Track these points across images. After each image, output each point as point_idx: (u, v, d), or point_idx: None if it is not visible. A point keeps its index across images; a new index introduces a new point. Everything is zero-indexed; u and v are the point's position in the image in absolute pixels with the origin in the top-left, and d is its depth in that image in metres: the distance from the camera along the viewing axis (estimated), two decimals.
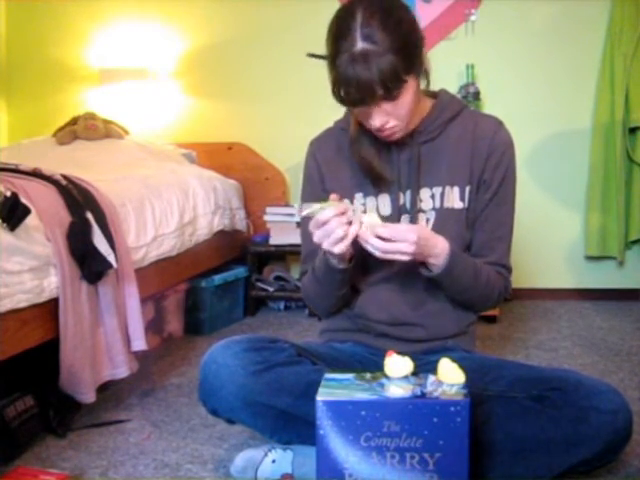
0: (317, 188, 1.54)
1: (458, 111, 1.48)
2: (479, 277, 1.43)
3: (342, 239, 1.27)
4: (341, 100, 1.29)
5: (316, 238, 1.30)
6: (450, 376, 1.22)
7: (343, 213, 1.27)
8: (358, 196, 1.48)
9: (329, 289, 1.48)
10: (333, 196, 1.31)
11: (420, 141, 1.44)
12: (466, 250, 1.48)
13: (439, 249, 1.35)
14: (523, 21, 3.27)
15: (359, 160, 1.44)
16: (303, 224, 1.56)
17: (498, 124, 1.48)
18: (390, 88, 1.25)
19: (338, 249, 1.28)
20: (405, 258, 1.30)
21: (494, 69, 3.25)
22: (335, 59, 1.25)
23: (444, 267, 1.36)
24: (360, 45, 1.22)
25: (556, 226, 3.33)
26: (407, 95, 1.29)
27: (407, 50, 1.25)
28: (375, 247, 1.28)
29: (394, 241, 1.27)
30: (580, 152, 3.28)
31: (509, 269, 1.51)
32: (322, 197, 1.45)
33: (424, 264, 1.38)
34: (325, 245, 1.30)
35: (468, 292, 1.45)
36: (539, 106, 3.29)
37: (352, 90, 1.24)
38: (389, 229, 1.28)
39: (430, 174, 1.45)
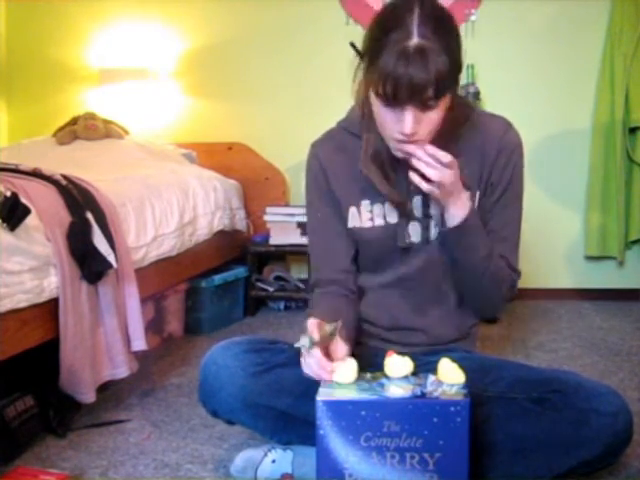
0: (323, 190, 1.48)
1: (467, 114, 1.42)
2: (491, 258, 1.37)
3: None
4: (384, 96, 1.18)
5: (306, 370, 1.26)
6: (450, 376, 1.22)
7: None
8: (365, 203, 1.44)
9: None
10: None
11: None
12: None
13: (461, 201, 1.31)
14: (523, 21, 3.27)
15: (378, 184, 1.37)
16: (310, 228, 1.54)
17: (507, 125, 1.44)
18: (440, 91, 1.17)
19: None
20: (440, 189, 1.27)
21: (494, 69, 3.25)
22: (383, 51, 1.16)
23: (463, 218, 1.31)
24: (416, 40, 1.14)
25: (556, 226, 3.33)
26: (441, 108, 1.22)
27: (458, 60, 1.22)
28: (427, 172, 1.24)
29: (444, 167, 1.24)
30: (580, 152, 3.28)
31: (517, 272, 1.46)
32: (329, 201, 1.44)
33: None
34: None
35: (477, 271, 1.38)
36: (539, 106, 3.29)
37: (402, 87, 1.15)
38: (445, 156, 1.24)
39: None
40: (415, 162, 1.26)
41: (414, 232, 1.41)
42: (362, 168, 1.38)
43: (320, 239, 1.51)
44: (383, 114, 1.24)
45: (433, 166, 1.24)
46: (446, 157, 1.24)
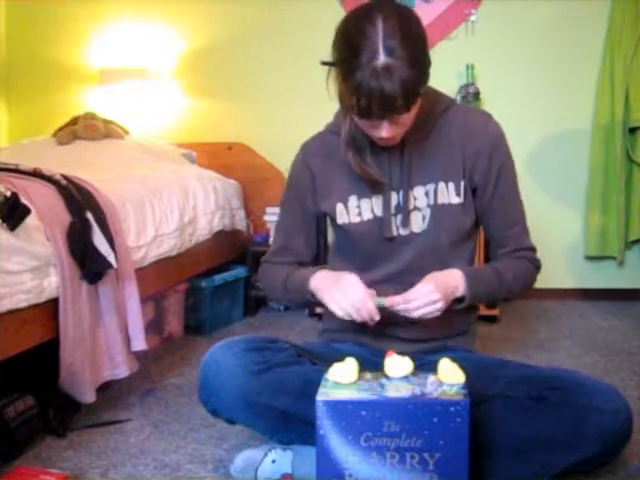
0: (303, 193, 1.57)
1: (446, 107, 1.48)
2: (504, 280, 1.46)
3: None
4: (359, 111, 1.27)
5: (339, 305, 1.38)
6: (450, 376, 1.22)
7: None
8: (352, 199, 1.49)
9: (294, 301, 1.60)
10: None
11: (410, 140, 1.44)
12: (468, 239, 1.50)
13: (456, 281, 1.40)
14: (523, 21, 3.27)
15: (354, 165, 1.44)
16: (282, 214, 1.65)
17: (487, 117, 1.49)
18: (409, 101, 1.25)
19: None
20: (440, 306, 1.36)
21: (494, 69, 3.25)
22: (355, 70, 1.23)
23: (467, 292, 1.40)
24: (383, 59, 1.21)
25: (556, 226, 3.33)
26: (412, 112, 1.30)
27: (423, 64, 1.27)
28: (407, 310, 1.36)
29: (418, 300, 1.34)
30: (580, 152, 3.28)
31: (532, 249, 1.54)
32: (303, 204, 1.56)
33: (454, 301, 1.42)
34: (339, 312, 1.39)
35: (501, 295, 1.51)
36: (539, 106, 3.29)
37: (374, 102, 1.23)
38: (404, 295, 1.36)
39: (422, 172, 1.45)
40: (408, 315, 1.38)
41: (401, 224, 1.46)
42: (342, 153, 1.46)
43: (287, 225, 1.63)
44: (359, 120, 1.33)
45: (417, 305, 1.35)
46: (400, 298, 1.36)
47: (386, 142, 1.37)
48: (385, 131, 1.31)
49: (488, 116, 1.49)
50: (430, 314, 1.36)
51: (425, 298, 1.34)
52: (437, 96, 1.48)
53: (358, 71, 1.22)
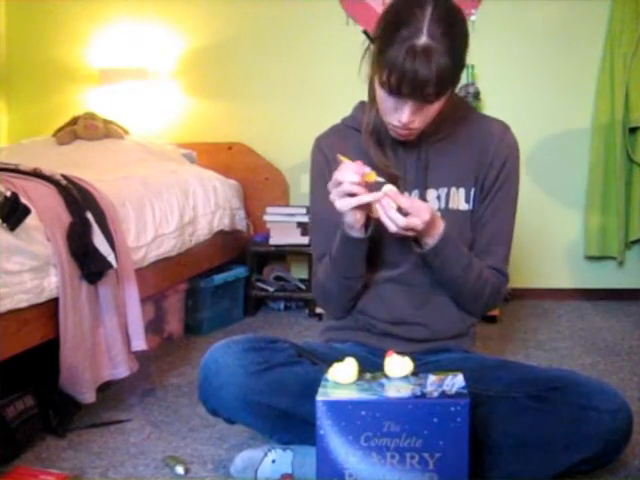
0: (328, 181, 1.45)
1: (466, 113, 1.47)
2: (470, 268, 1.41)
3: (352, 196, 1.29)
4: (388, 87, 1.26)
5: (331, 196, 1.32)
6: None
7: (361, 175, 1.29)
8: None
9: (343, 270, 1.44)
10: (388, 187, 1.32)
11: (428, 142, 1.44)
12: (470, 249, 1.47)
13: (436, 229, 1.36)
14: (523, 21, 3.27)
15: (374, 156, 1.42)
16: (314, 226, 1.57)
17: (505, 128, 1.48)
18: (440, 90, 1.24)
19: (347, 205, 1.29)
20: (411, 234, 1.32)
21: (494, 69, 3.25)
22: (392, 44, 1.22)
23: (433, 245, 1.36)
24: (425, 39, 1.20)
25: (556, 226, 3.33)
26: (437, 105, 1.29)
27: (461, 59, 1.28)
28: (393, 219, 1.29)
29: (410, 215, 1.29)
30: (580, 152, 3.28)
31: (505, 275, 1.49)
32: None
33: (416, 240, 1.38)
34: (338, 205, 1.31)
35: (457, 282, 1.43)
36: (539, 106, 3.29)
37: (405, 81, 1.22)
38: (410, 200, 1.30)
39: (436, 175, 1.44)
40: (381, 211, 1.31)
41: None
42: (363, 142, 1.44)
43: (323, 228, 1.51)
44: (384, 100, 1.31)
45: (403, 223, 1.29)
46: (405, 202, 1.29)
47: (402, 132, 1.35)
48: (406, 115, 1.29)
49: (506, 127, 1.48)
50: (402, 231, 1.30)
51: (414, 219, 1.29)
52: (459, 101, 1.48)
53: (396, 44, 1.21)
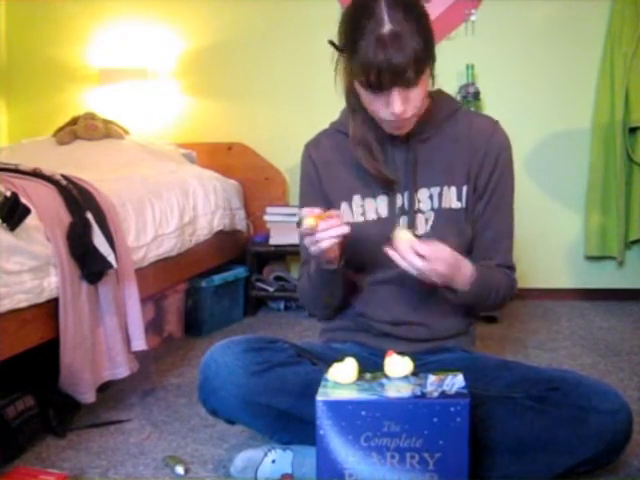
0: (316, 188, 1.53)
1: (454, 111, 1.48)
2: (496, 293, 1.44)
3: (322, 243, 1.28)
4: (369, 84, 1.26)
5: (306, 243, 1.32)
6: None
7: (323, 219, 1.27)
8: (356, 198, 1.48)
9: (321, 292, 1.49)
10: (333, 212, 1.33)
11: (416, 141, 1.44)
12: (468, 247, 1.47)
13: (463, 270, 1.35)
14: (523, 21, 3.27)
15: (366, 163, 1.43)
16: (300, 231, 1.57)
17: (494, 124, 1.48)
18: (418, 69, 1.24)
19: (317, 250, 1.30)
20: (436, 279, 1.31)
21: (494, 69, 3.24)
22: (360, 42, 1.23)
23: (469, 290, 1.37)
24: (389, 26, 1.22)
25: (556, 226, 3.33)
26: (423, 84, 1.30)
27: (430, 37, 1.28)
28: (414, 265, 1.27)
29: (430, 259, 1.27)
30: (580, 152, 3.27)
31: (513, 268, 1.51)
32: (321, 201, 1.46)
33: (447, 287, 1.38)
34: (311, 250, 1.32)
35: (483, 306, 1.49)
36: (539, 106, 3.29)
37: (384, 72, 1.23)
38: (428, 246, 1.27)
39: (427, 174, 1.44)
40: (410, 269, 1.29)
41: (406, 226, 1.44)
42: (352, 150, 1.44)
43: None
44: (371, 100, 1.31)
45: (424, 268, 1.27)
46: (423, 249, 1.27)
47: (397, 125, 1.35)
48: (396, 105, 1.28)
49: (495, 122, 1.48)
50: (424, 276, 1.29)
51: (435, 263, 1.27)
52: (445, 98, 1.49)
53: (364, 41, 1.22)
